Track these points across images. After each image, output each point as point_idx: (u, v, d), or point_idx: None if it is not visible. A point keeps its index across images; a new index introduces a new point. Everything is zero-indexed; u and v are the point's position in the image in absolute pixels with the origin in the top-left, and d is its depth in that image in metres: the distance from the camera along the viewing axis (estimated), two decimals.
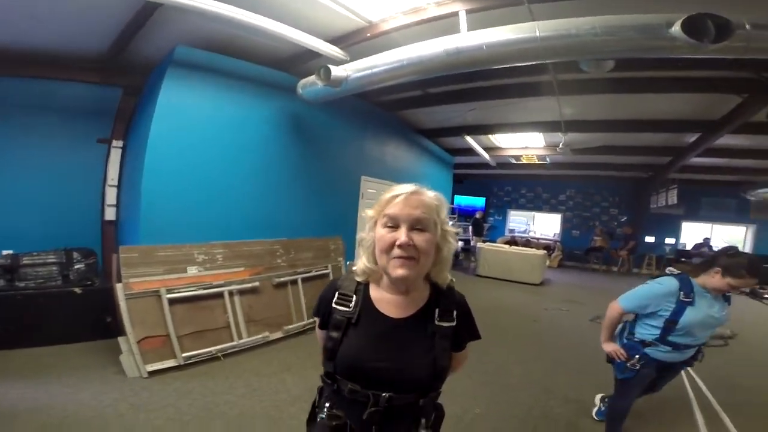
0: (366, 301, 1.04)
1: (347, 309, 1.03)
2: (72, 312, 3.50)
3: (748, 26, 2.10)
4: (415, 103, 5.76)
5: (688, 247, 11.03)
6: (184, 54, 3.73)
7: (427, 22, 3.06)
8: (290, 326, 4.11)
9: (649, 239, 11.58)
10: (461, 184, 12.80)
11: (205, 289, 3.59)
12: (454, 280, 1.13)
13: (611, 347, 2.34)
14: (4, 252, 3.54)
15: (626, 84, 4.38)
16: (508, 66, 2.89)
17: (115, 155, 4.56)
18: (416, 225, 0.95)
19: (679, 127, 5.99)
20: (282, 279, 4.20)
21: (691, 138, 6.49)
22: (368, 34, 3.41)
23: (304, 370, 3.33)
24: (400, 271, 0.95)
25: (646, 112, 5.60)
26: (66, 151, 4.37)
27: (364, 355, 0.99)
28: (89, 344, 3.48)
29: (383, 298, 1.05)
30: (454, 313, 1.05)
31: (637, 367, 2.25)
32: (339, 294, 1.05)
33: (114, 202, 4.57)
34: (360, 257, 1.07)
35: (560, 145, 6.78)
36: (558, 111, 5.33)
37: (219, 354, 3.48)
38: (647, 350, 2.22)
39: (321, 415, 1.06)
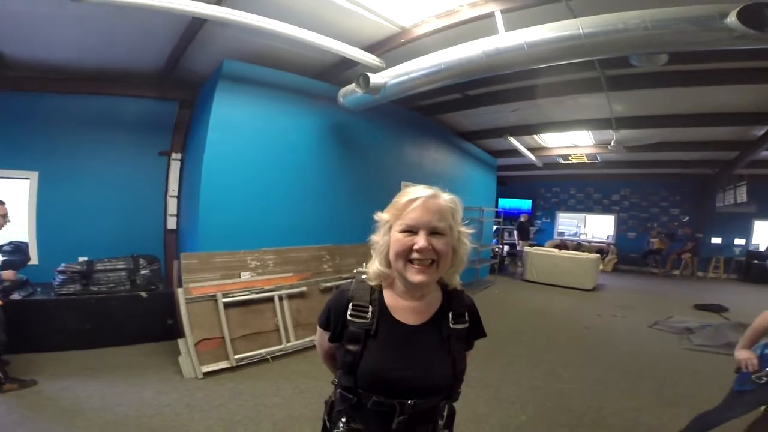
0: (382, 310, 1.02)
1: (365, 320, 1.00)
2: (138, 315, 3.81)
3: None
4: (454, 106, 5.72)
5: (762, 248, 10.00)
6: (232, 67, 3.94)
7: (461, 24, 3.04)
8: None
9: (716, 240, 10.60)
10: (505, 186, 12.45)
11: (257, 293, 3.79)
12: (462, 283, 1.12)
13: (745, 354, 2.10)
14: (80, 259, 3.90)
15: (683, 77, 4.10)
16: (551, 65, 2.83)
17: (175, 167, 4.91)
18: (434, 230, 0.95)
19: (745, 120, 5.50)
20: (328, 284, 4.32)
21: (760, 131, 5.94)
22: (402, 40, 3.44)
23: (323, 372, 3.39)
24: (418, 277, 0.95)
25: (706, 106, 5.20)
26: (131, 164, 4.76)
27: (386, 365, 0.98)
28: (152, 345, 3.77)
29: (399, 306, 1.03)
30: (466, 315, 1.06)
31: (762, 381, 2.04)
32: (354, 305, 1.02)
33: (175, 212, 4.92)
34: (372, 261, 1.06)
35: (612, 143, 6.45)
36: (608, 108, 5.07)
37: (268, 356, 3.63)
38: None
39: (337, 430, 1.05)
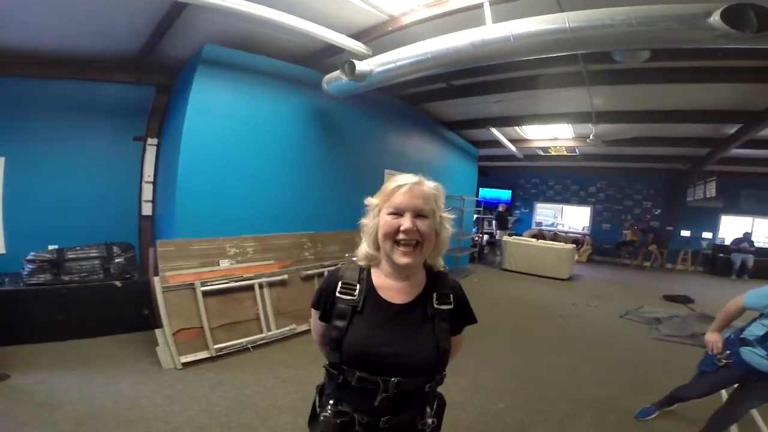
0: (369, 289, 1.08)
1: (352, 297, 1.05)
2: (113, 305, 3.69)
3: None
4: (439, 95, 5.71)
5: (727, 242, 10.49)
6: (213, 52, 3.82)
7: (450, 14, 3.01)
8: None
9: (685, 233, 11.06)
10: (486, 176, 12.59)
11: (236, 281, 3.72)
12: (447, 267, 1.18)
13: (713, 338, 2.27)
14: (50, 247, 3.74)
15: (662, 74, 4.20)
16: (536, 57, 2.84)
17: (151, 152, 4.74)
18: (419, 213, 1.01)
19: (719, 118, 5.71)
20: (310, 272, 4.30)
21: (732, 129, 6.16)
22: (389, 28, 3.39)
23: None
24: (404, 260, 1.01)
25: (683, 103, 5.35)
26: (105, 150, 4.57)
27: (371, 341, 1.01)
28: (128, 336, 3.66)
29: (385, 285, 1.08)
30: (451, 296, 1.10)
31: (721, 364, 2.21)
32: (343, 283, 1.07)
33: (150, 198, 4.76)
34: (362, 243, 1.12)
35: (591, 137, 6.58)
36: (588, 102, 5.16)
37: (249, 346, 3.60)
38: (742, 350, 2.13)
39: (324, 414, 1.08)
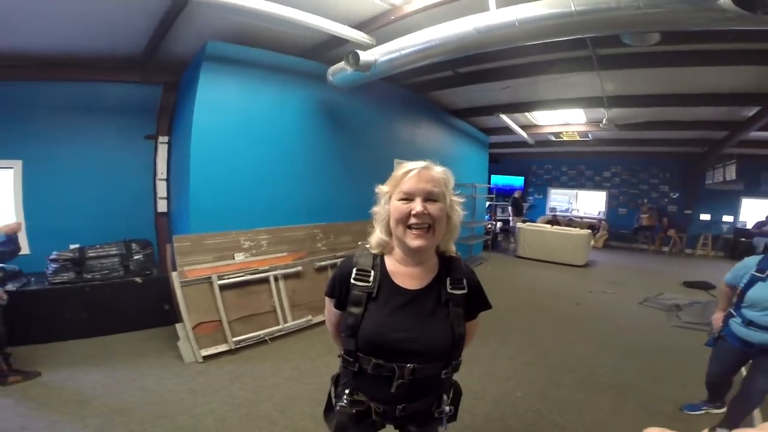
0: (384, 275, 1.09)
1: (367, 284, 1.07)
2: (134, 301, 3.82)
3: None
4: (446, 83, 5.64)
5: (749, 226, 10.18)
6: (217, 48, 3.84)
7: (452, 1, 2.97)
8: None
9: (704, 217, 10.75)
10: (498, 163, 12.45)
11: (252, 274, 3.80)
12: (459, 253, 1.19)
13: (716, 317, 2.50)
14: (72, 246, 3.86)
15: (674, 57, 4.06)
16: (542, 42, 2.80)
17: (162, 150, 4.84)
18: (429, 197, 1.03)
19: (735, 101, 5.49)
20: (323, 263, 4.36)
21: (751, 111, 5.95)
22: (393, 17, 3.35)
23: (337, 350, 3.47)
24: (417, 242, 1.02)
25: (697, 86, 5.17)
26: (118, 149, 4.67)
27: (386, 327, 1.03)
28: (150, 331, 3.79)
29: (399, 271, 1.10)
30: (464, 281, 1.11)
31: (715, 336, 2.43)
32: (357, 270, 1.09)
33: (165, 195, 4.88)
34: (374, 230, 1.14)
35: (603, 121, 6.46)
36: (599, 86, 5.04)
37: (266, 338, 3.68)
38: (730, 321, 2.31)
39: (340, 403, 1.09)
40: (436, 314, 1.07)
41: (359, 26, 3.61)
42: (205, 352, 3.31)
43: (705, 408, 2.69)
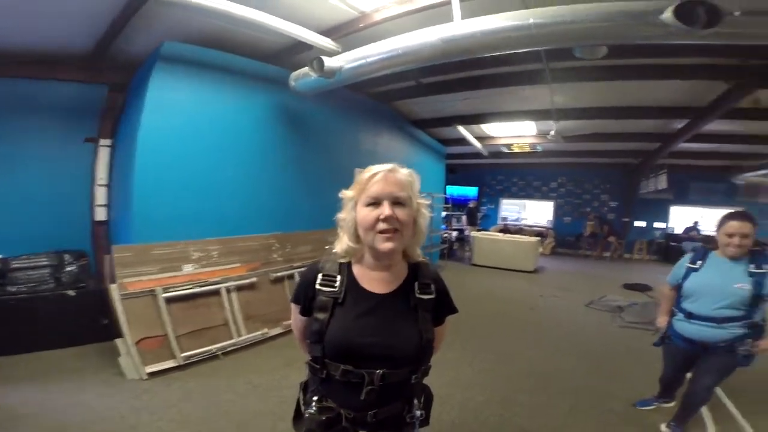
0: (351, 280, 1.07)
1: (333, 289, 1.04)
2: (67, 315, 3.45)
3: (737, 12, 2.10)
4: (409, 93, 5.71)
5: (678, 231, 11.18)
6: (172, 49, 3.64)
7: (420, 11, 3.01)
8: (289, 321, 4.08)
9: (639, 224, 11.70)
10: (454, 173, 12.81)
11: (201, 286, 3.58)
12: (427, 258, 1.19)
13: (660, 320, 2.60)
14: None
15: (616, 71, 4.38)
16: (501, 54, 2.90)
17: (104, 154, 4.45)
18: (396, 200, 1.01)
19: (667, 114, 6.02)
20: (279, 274, 4.19)
21: (680, 124, 6.54)
22: (361, 25, 3.36)
23: (302, 361, 3.35)
24: (387, 245, 0.99)
25: (635, 99, 5.61)
26: (53, 152, 4.24)
27: (353, 332, 1.00)
28: (86, 347, 3.43)
29: (367, 276, 1.08)
30: (432, 286, 1.10)
31: (661, 334, 2.54)
32: (323, 275, 1.06)
33: (104, 202, 4.47)
34: (340, 238, 1.09)
35: (551, 133, 6.81)
36: (549, 99, 5.33)
37: (219, 352, 3.46)
38: (673, 320, 2.43)
39: (309, 411, 1.06)
40: (404, 319, 1.05)
41: (327, 32, 3.57)
42: (150, 369, 3.04)
43: (656, 403, 2.83)
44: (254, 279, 3.95)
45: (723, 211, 2.44)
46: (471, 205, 11.58)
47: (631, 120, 6.56)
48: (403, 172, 1.07)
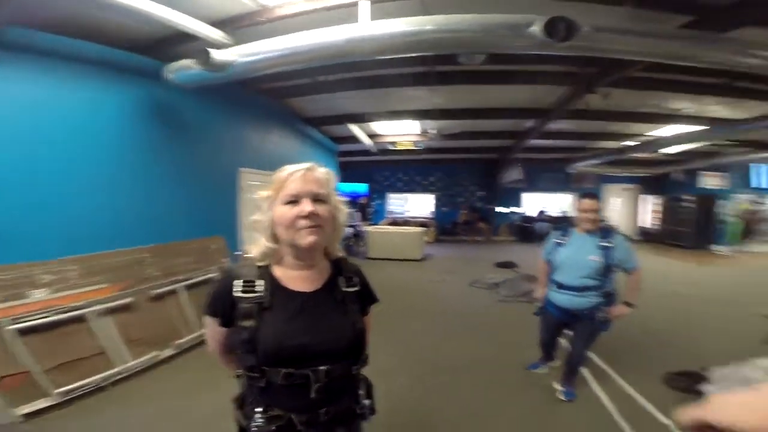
0: (274, 283, 1.05)
1: (257, 294, 1.01)
2: None
3: (587, 28, 2.59)
4: (303, 90, 5.61)
5: (531, 214, 13.29)
6: (18, 36, 2.95)
7: (327, 10, 3.01)
8: (182, 340, 3.69)
9: (502, 210, 13.62)
10: (344, 171, 12.94)
11: (61, 313, 2.95)
12: (344, 252, 1.22)
13: (538, 291, 2.96)
14: None
15: (485, 76, 4.97)
16: (399, 56, 3.06)
17: None
18: (316, 198, 1.03)
19: (521, 114, 7.05)
20: (159, 290, 3.70)
21: (530, 123, 7.71)
22: (261, 19, 3.19)
23: (211, 383, 3.04)
24: (310, 238, 1.00)
25: (496, 101, 6.41)
26: None
27: (287, 335, 1.00)
28: None
29: (290, 276, 1.07)
30: (356, 278, 1.15)
31: (540, 305, 2.91)
32: (242, 282, 1.03)
33: None
34: (257, 241, 1.08)
35: (431, 131, 7.41)
36: (431, 100, 5.79)
37: (103, 383, 2.96)
38: (549, 292, 2.79)
39: (255, 424, 1.00)
40: (335, 313, 1.07)
41: (218, 23, 3.29)
42: (22, 410, 2.51)
43: (542, 365, 3.29)
44: (129, 299, 3.41)
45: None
46: (362, 201, 11.89)
47: (494, 119, 7.51)
48: (321, 170, 1.08)
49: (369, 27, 2.72)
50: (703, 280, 7.14)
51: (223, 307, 1.03)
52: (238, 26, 3.35)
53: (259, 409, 1.00)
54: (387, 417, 2.61)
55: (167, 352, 3.53)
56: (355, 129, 7.69)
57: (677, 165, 10.92)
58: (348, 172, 13.24)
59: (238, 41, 3.30)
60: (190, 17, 3.02)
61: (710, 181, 11.12)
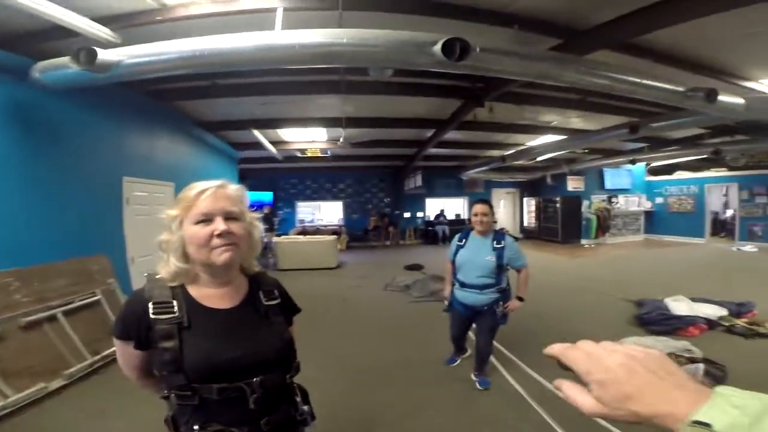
0: (190, 302, 1.02)
1: (173, 315, 0.98)
2: None
3: (478, 49, 2.93)
4: (200, 94, 5.25)
5: (432, 218, 14.24)
6: None
7: (237, 14, 2.90)
8: (72, 369, 3.25)
9: (407, 215, 14.35)
10: (245, 179, 12.33)
11: None
12: (262, 267, 1.24)
13: (445, 290, 3.14)
14: None
15: (393, 88, 5.18)
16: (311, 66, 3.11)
17: None
18: (229, 215, 1.01)
19: (421, 125, 7.54)
20: (32, 317, 3.25)
21: (429, 133, 8.26)
22: (159, 18, 2.95)
23: (117, 410, 2.79)
24: (225, 256, 0.99)
25: (400, 112, 6.79)
26: None
27: (213, 351, 0.99)
28: None
29: (207, 294, 1.05)
30: (276, 291, 1.17)
31: (447, 303, 3.11)
32: (155, 303, 0.99)
33: None
34: (166, 261, 1.04)
35: (341, 140, 7.52)
36: (341, 108, 5.91)
37: None
38: (454, 290, 3.01)
39: None
40: (260, 326, 1.09)
41: (105, 20, 2.97)
42: None
43: (457, 359, 3.54)
44: None
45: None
46: (266, 210, 11.43)
47: (398, 129, 7.91)
48: (233, 187, 1.07)
49: (281, 36, 2.70)
50: (576, 270, 8.39)
51: (138, 329, 0.98)
52: (129, 24, 3.06)
53: (196, 427, 0.97)
54: (320, 424, 2.65)
55: (57, 383, 3.10)
56: (259, 135, 7.43)
57: (548, 170, 12.75)
58: (251, 180, 12.71)
59: (128, 41, 3.01)
60: (70, 11, 2.68)
61: (574, 183, 13.20)
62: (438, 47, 2.80)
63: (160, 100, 5.49)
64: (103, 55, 2.84)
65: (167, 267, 1.02)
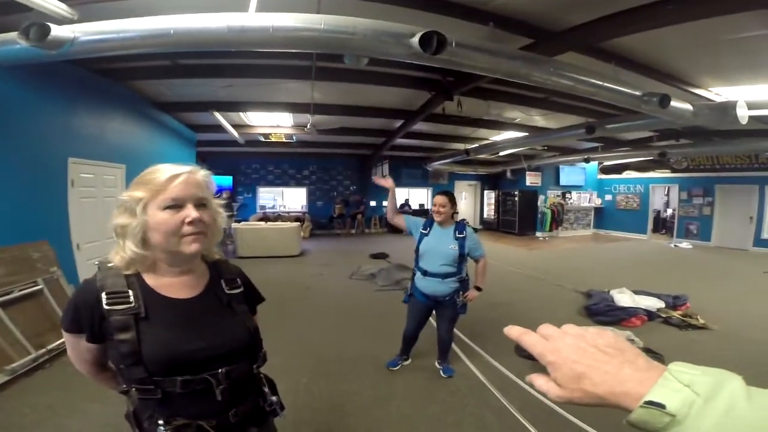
0: (147, 292, 0.98)
1: (129, 305, 0.93)
2: None
3: (453, 44, 2.93)
4: (159, 73, 4.91)
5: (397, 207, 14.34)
6: None
7: None
8: (15, 364, 3.02)
9: (373, 203, 14.31)
10: (205, 162, 11.78)
11: None
12: (222, 254, 1.22)
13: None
14: None
15: (363, 76, 5.11)
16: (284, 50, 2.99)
17: None
18: (199, 202, 0.99)
19: (390, 114, 7.52)
20: None
21: (398, 123, 8.27)
22: None
23: (68, 407, 2.64)
24: (194, 246, 0.97)
25: (369, 101, 6.73)
26: None
27: (174, 342, 0.95)
28: None
29: (165, 283, 1.01)
30: (238, 280, 1.15)
31: (408, 293, 3.10)
32: (108, 294, 0.93)
33: None
34: (121, 246, 0.99)
35: (308, 125, 7.35)
36: (310, 94, 5.75)
37: None
38: (415, 279, 3.02)
39: None
40: (223, 316, 1.06)
41: None
42: None
43: (400, 362, 3.38)
44: None
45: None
46: (225, 195, 11.02)
47: (367, 118, 7.83)
48: (202, 173, 1.04)
49: (255, 18, 2.57)
50: (532, 261, 8.78)
51: (90, 321, 0.92)
52: (88, 1, 2.81)
53: (161, 422, 0.93)
54: (288, 414, 2.63)
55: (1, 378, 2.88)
56: (220, 118, 7.09)
57: (509, 165, 13.17)
58: (210, 163, 12.18)
59: (85, 17, 2.77)
60: None
61: (532, 179, 13.77)
62: (416, 39, 2.79)
63: (114, 79, 5.10)
64: (57, 31, 2.60)
65: (122, 253, 0.96)
